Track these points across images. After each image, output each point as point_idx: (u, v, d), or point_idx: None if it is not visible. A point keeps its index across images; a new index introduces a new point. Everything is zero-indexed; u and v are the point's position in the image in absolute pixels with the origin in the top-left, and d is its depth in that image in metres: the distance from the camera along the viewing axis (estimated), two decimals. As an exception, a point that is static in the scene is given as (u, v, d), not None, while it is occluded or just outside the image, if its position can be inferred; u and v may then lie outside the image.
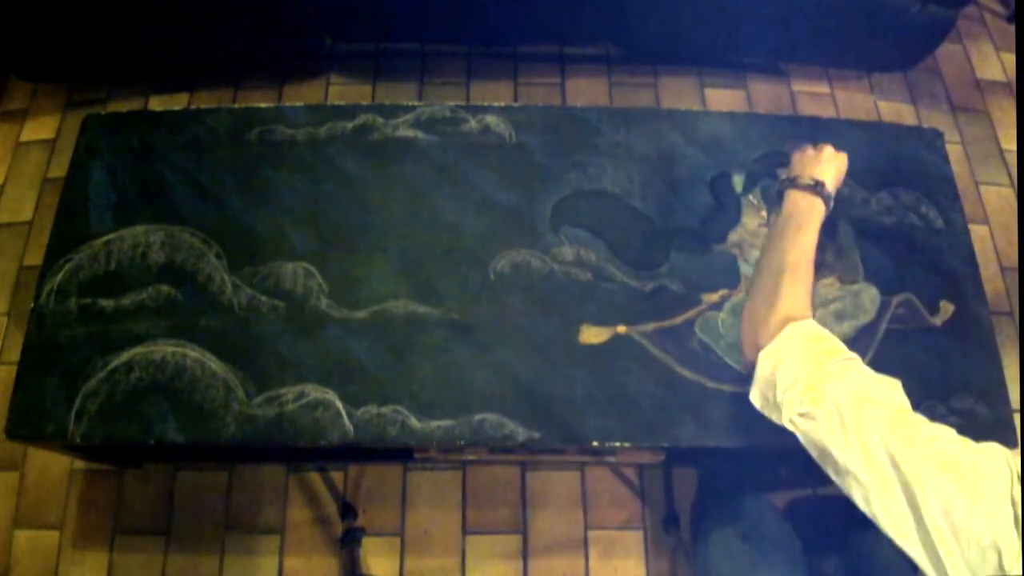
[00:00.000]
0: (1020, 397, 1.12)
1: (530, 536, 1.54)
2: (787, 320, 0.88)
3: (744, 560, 1.09)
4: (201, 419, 1.08)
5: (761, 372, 0.86)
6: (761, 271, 0.98)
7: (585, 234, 1.23)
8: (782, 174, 1.13)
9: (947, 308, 1.19)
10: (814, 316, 0.92)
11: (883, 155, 1.32)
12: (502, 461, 1.59)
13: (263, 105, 1.34)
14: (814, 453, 0.80)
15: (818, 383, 0.79)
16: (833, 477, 0.78)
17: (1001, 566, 0.64)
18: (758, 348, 0.89)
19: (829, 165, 1.07)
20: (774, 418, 0.85)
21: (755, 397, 0.89)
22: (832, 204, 1.06)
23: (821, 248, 1.22)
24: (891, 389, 0.80)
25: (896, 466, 0.70)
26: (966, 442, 0.72)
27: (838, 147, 1.09)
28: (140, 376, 1.11)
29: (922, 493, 0.68)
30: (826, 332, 0.87)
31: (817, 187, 1.03)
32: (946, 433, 0.73)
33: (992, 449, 0.71)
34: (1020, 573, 0.64)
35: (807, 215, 1.00)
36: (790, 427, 0.82)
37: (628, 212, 1.25)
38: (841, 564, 1.26)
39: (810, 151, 1.09)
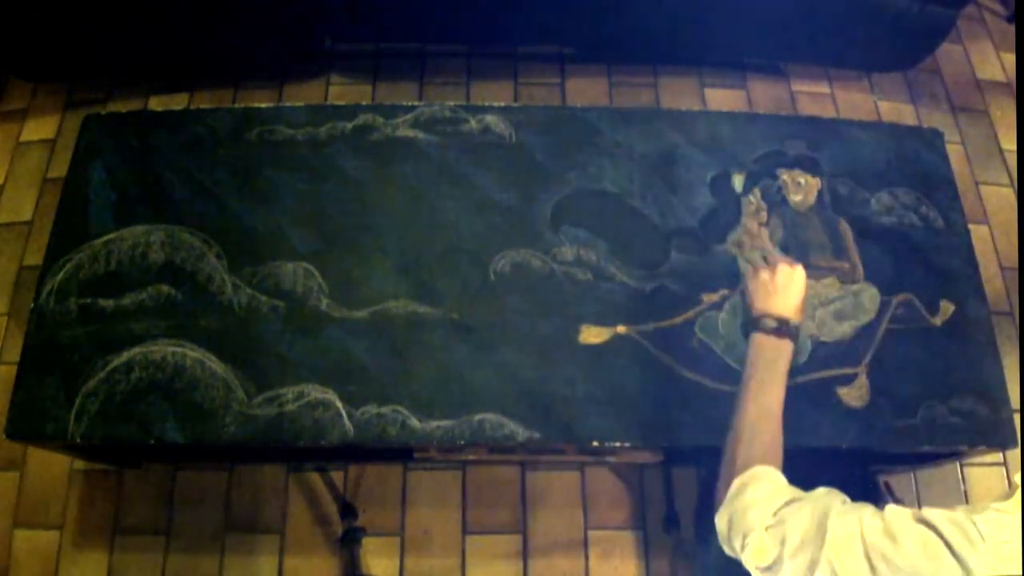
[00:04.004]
0: (1020, 397, 1.12)
1: (530, 536, 1.54)
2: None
3: (744, 560, 1.08)
4: (201, 419, 1.08)
5: (720, 531, 0.86)
6: (730, 423, 0.93)
7: (585, 234, 1.23)
8: (747, 302, 1.02)
9: (947, 308, 1.19)
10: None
11: (883, 155, 1.32)
12: (502, 461, 1.59)
13: (263, 105, 1.34)
14: None
15: (763, 541, 0.79)
16: None
17: None
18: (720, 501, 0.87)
19: (789, 290, 0.98)
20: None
21: (726, 549, 0.89)
22: (799, 334, 0.99)
23: (821, 248, 1.22)
24: (831, 504, 0.79)
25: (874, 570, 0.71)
26: (907, 527, 0.72)
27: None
28: (140, 376, 1.11)
29: None
30: (771, 478, 0.84)
31: (781, 329, 0.94)
32: (896, 516, 0.73)
33: (920, 531, 0.70)
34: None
35: (773, 365, 0.93)
36: None
37: (628, 212, 1.25)
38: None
39: (764, 276, 1.00)
